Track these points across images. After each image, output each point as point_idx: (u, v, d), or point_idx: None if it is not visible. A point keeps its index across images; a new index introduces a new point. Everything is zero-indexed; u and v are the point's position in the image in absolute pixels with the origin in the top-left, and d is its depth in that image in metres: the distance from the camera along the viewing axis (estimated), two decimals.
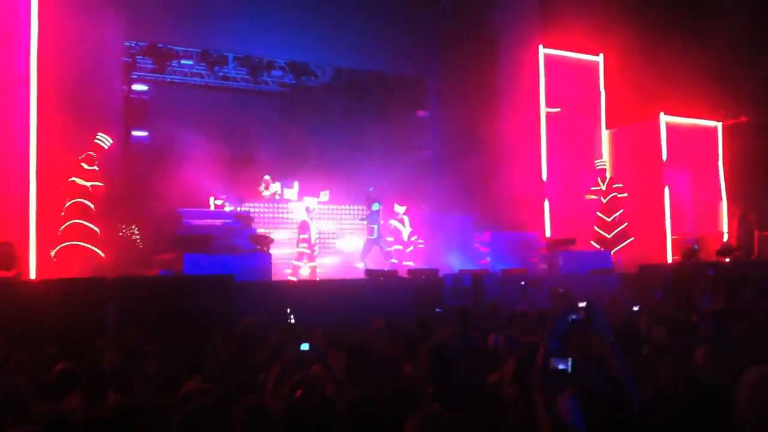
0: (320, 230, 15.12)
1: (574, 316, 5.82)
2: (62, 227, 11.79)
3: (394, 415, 3.73)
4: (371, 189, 15.69)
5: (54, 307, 8.54)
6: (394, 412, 3.81)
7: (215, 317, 9.24)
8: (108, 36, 13.95)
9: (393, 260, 14.79)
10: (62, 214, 11.96)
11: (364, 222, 15.00)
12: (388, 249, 15.09)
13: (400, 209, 15.20)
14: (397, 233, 15.14)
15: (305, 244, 14.02)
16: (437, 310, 10.70)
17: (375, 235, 14.76)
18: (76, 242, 11.70)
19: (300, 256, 13.97)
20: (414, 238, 15.39)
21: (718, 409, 3.25)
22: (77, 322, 8.40)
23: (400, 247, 15.02)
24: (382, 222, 14.94)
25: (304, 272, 13.95)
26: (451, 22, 18.60)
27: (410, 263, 14.68)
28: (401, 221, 15.16)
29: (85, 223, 11.81)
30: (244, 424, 3.73)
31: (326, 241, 15.76)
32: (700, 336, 5.51)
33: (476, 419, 3.80)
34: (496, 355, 5.50)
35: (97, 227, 12.10)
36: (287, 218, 15.14)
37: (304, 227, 14.08)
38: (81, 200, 11.93)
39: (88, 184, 12.12)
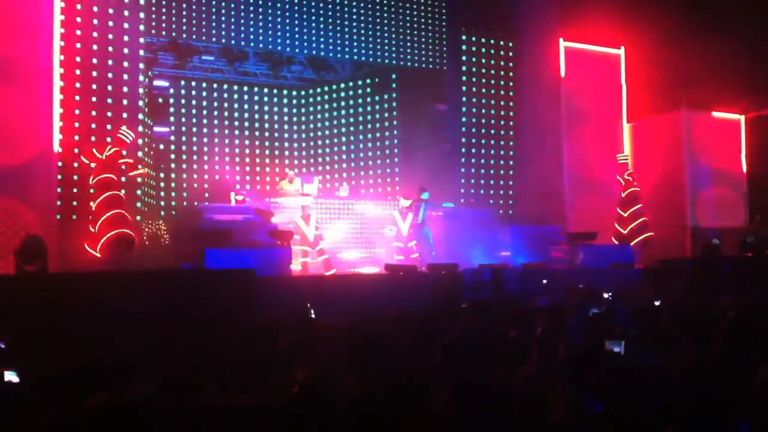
0: (319, 222, 15.08)
1: (595, 310, 5.82)
2: (101, 219, 11.84)
3: (396, 413, 3.71)
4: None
5: (77, 301, 8.63)
6: (397, 408, 3.80)
7: (236, 311, 9.30)
8: (130, 32, 14.06)
9: (399, 257, 14.71)
10: (92, 208, 12.02)
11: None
12: (395, 245, 15.04)
13: (405, 203, 15.08)
14: (396, 227, 15.03)
15: (301, 246, 13.96)
16: (463, 306, 10.68)
17: (420, 220, 14.75)
18: (120, 230, 11.79)
19: (304, 254, 13.97)
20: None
21: (731, 403, 3.25)
22: (100, 315, 8.47)
23: (401, 244, 14.92)
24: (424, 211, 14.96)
25: (315, 267, 13.95)
26: (472, 14, 18.54)
27: (416, 255, 14.68)
28: (404, 215, 14.98)
29: (121, 211, 11.94)
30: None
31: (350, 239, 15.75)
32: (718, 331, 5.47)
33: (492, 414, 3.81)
34: (519, 348, 5.50)
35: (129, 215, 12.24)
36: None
37: (297, 228, 14.04)
38: (114, 191, 12.02)
39: (113, 176, 12.19)
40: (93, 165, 12.10)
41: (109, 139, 12.57)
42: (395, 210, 15.25)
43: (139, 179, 14.13)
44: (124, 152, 12.42)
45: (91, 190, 12.17)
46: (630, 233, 15.66)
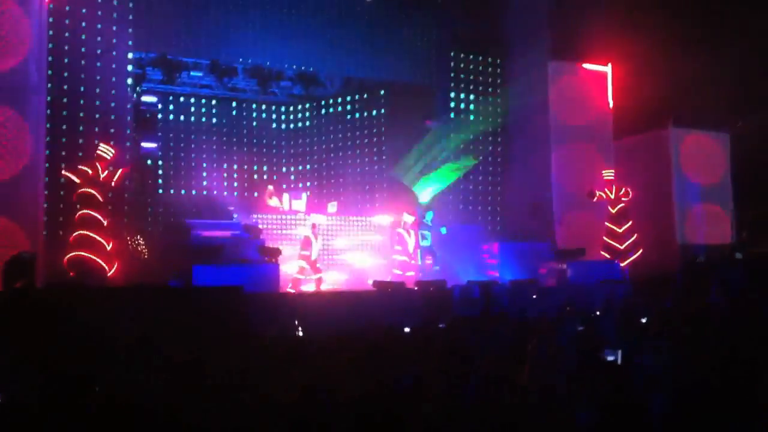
0: (326, 246, 15.13)
1: (580, 327, 5.84)
2: (72, 237, 11.80)
3: (392, 414, 3.71)
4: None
5: (65, 318, 8.56)
6: (394, 409, 3.80)
7: (224, 328, 9.25)
8: (118, 48, 14.06)
9: (396, 271, 14.75)
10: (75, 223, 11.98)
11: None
12: (396, 258, 15.10)
13: (408, 219, 15.21)
14: (403, 243, 15.12)
15: (304, 261, 13.93)
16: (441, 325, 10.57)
17: (428, 242, 14.94)
18: (82, 253, 11.69)
19: (301, 271, 13.93)
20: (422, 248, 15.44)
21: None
22: (87, 331, 8.40)
23: (406, 258, 14.99)
24: (429, 230, 15.13)
25: (307, 286, 13.92)
26: (462, 32, 18.63)
27: (411, 273, 14.70)
28: (408, 232, 15.16)
29: (93, 234, 11.81)
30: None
31: (334, 257, 15.77)
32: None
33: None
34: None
35: (106, 239, 12.08)
36: (293, 231, 15.15)
37: (306, 243, 14.02)
38: (89, 211, 11.93)
39: (96, 193, 12.11)
40: (77, 180, 12.01)
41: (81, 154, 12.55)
42: (400, 228, 15.25)
43: (127, 194, 14.08)
44: (100, 167, 12.35)
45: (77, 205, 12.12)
46: (624, 250, 15.70)
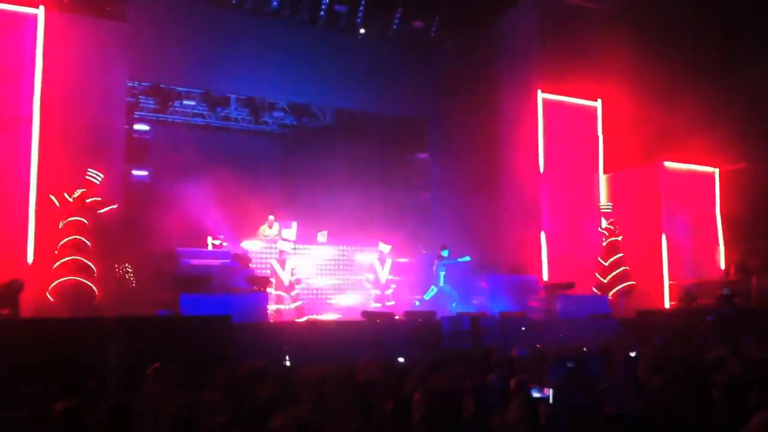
0: (312, 285, 15.12)
1: (570, 365, 5.84)
2: (57, 263, 11.73)
3: None
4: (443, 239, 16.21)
5: (50, 347, 8.50)
6: None
7: (212, 358, 9.19)
8: (111, 76, 14.12)
9: (375, 304, 14.72)
10: (56, 252, 11.92)
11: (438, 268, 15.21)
12: (369, 290, 15.09)
13: (384, 248, 15.21)
14: (373, 272, 15.08)
15: (276, 290, 13.92)
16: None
17: (442, 283, 14.93)
18: (72, 277, 11.62)
19: (279, 299, 13.91)
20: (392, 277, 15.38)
21: None
22: (73, 362, 8.33)
23: (378, 291, 14.96)
24: (446, 266, 15.10)
25: (289, 312, 13.88)
26: (453, 65, 18.83)
27: (392, 302, 14.69)
28: (382, 261, 15.11)
29: (81, 258, 11.76)
30: None
31: (325, 295, 15.72)
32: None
33: None
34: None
35: (94, 264, 12.05)
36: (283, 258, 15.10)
37: (273, 272, 14.06)
38: (77, 237, 11.89)
39: (83, 219, 12.09)
40: (57, 203, 11.99)
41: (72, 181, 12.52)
42: (374, 258, 15.26)
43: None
44: (90, 195, 12.33)
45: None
46: (610, 282, 15.74)
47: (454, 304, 14.69)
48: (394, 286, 15.18)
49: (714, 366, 6.56)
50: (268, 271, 14.20)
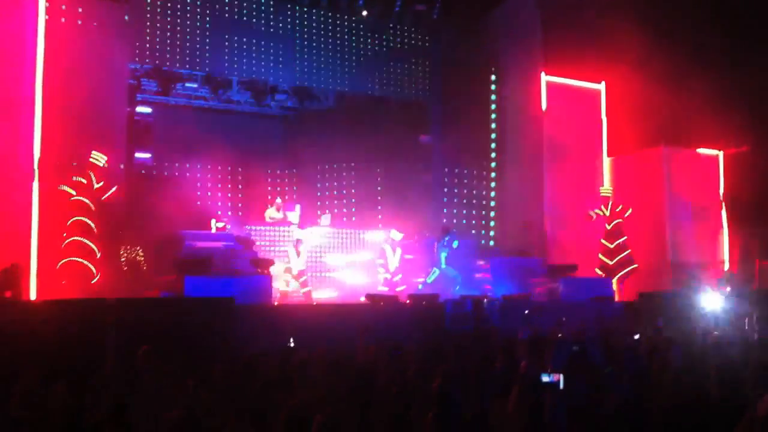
0: (317, 261, 15.07)
1: (575, 348, 5.83)
2: (64, 243, 11.77)
3: None
4: (444, 221, 15.94)
5: (53, 328, 8.53)
6: None
7: (215, 340, 9.24)
8: (113, 59, 14.08)
9: (382, 288, 14.71)
10: (64, 234, 11.95)
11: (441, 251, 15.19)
12: (379, 273, 15.09)
13: (396, 236, 15.18)
14: (384, 258, 15.06)
15: (288, 275, 13.95)
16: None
17: (443, 265, 14.91)
18: (75, 258, 11.66)
19: (287, 284, 13.94)
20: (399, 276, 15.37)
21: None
22: (76, 343, 8.37)
23: (388, 275, 14.94)
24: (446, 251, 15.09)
25: (295, 296, 13.91)
26: (456, 48, 18.75)
27: (403, 287, 14.68)
28: (393, 248, 15.08)
29: (85, 240, 11.79)
30: None
31: (326, 274, 15.72)
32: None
33: None
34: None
35: (98, 246, 12.08)
36: (287, 242, 15.11)
37: (290, 257, 14.08)
38: (82, 218, 11.90)
39: (88, 201, 12.10)
40: (73, 192, 12.00)
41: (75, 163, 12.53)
42: (386, 243, 15.22)
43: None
44: (93, 176, 12.32)
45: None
46: (616, 265, 15.74)
47: (457, 287, 14.69)
48: (400, 275, 15.18)
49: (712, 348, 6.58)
50: (286, 259, 14.19)
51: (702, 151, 18.14)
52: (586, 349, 5.98)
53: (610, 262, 15.82)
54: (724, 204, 18.07)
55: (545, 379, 4.34)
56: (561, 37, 16.93)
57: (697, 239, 17.71)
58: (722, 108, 15.93)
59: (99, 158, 12.35)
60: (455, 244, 15.23)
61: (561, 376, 4.32)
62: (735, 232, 17.65)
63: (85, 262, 11.77)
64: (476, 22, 18.63)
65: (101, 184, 12.33)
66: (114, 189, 12.81)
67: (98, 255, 12.09)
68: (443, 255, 15.13)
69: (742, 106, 16.07)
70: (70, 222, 11.92)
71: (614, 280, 15.56)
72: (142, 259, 15.69)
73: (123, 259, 14.96)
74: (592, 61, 17.08)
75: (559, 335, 8.35)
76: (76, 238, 11.81)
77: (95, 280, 12.04)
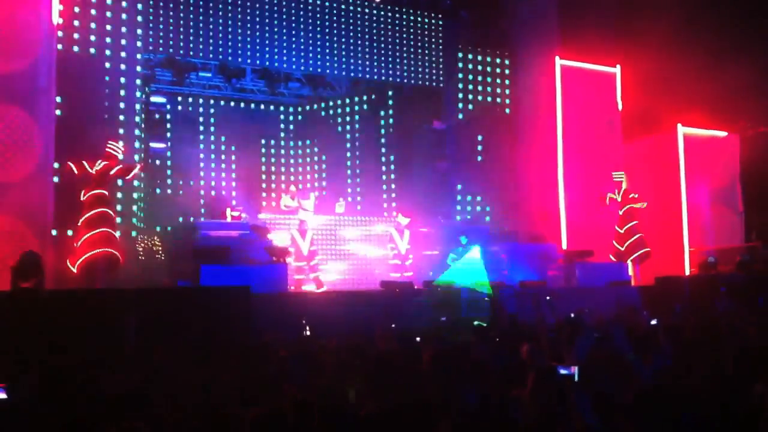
0: (331, 237, 15.07)
1: (596, 334, 5.78)
2: (86, 236, 11.71)
3: (414, 427, 3.72)
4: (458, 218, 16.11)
5: (71, 319, 8.59)
6: (415, 424, 3.80)
7: (232, 328, 9.27)
8: (127, 48, 14.11)
9: (393, 275, 14.72)
10: (79, 224, 11.94)
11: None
12: (389, 261, 15.11)
13: (403, 220, 15.17)
14: (394, 243, 15.07)
15: (295, 261, 13.95)
16: (441, 318, 10.60)
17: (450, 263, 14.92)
18: (104, 249, 11.61)
19: (299, 270, 13.93)
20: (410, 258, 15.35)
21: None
22: (95, 333, 8.43)
23: (398, 261, 14.95)
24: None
25: (308, 285, 13.92)
26: (470, 33, 18.65)
27: (409, 274, 14.68)
28: (401, 233, 15.08)
29: (109, 230, 11.77)
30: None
31: (338, 247, 15.77)
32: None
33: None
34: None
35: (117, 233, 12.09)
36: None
37: (293, 242, 14.05)
38: (103, 209, 11.88)
39: (105, 191, 12.06)
40: (75, 171, 11.95)
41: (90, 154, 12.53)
42: (392, 228, 15.25)
43: (136, 194, 14.13)
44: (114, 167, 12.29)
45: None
46: (627, 249, 15.63)
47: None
48: (412, 257, 15.17)
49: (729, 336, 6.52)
50: (288, 242, 14.21)
51: (719, 133, 17.97)
52: (611, 336, 5.95)
53: (621, 248, 15.70)
54: (741, 187, 17.91)
55: (562, 371, 4.31)
56: (576, 21, 16.80)
57: (714, 222, 17.60)
58: (739, 89, 15.77)
59: (117, 148, 12.27)
60: (463, 239, 15.16)
61: (576, 368, 4.29)
62: (753, 214, 17.50)
63: (114, 252, 11.73)
64: (491, 6, 18.51)
65: (120, 167, 12.21)
66: (138, 169, 12.69)
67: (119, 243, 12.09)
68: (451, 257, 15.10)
69: (759, 86, 15.90)
70: (92, 212, 11.82)
71: (629, 263, 15.46)
72: (160, 248, 15.76)
73: (140, 249, 15.02)
74: (607, 45, 16.94)
75: (581, 322, 8.32)
76: (102, 229, 11.74)
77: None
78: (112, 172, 12.07)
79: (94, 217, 11.72)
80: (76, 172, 11.85)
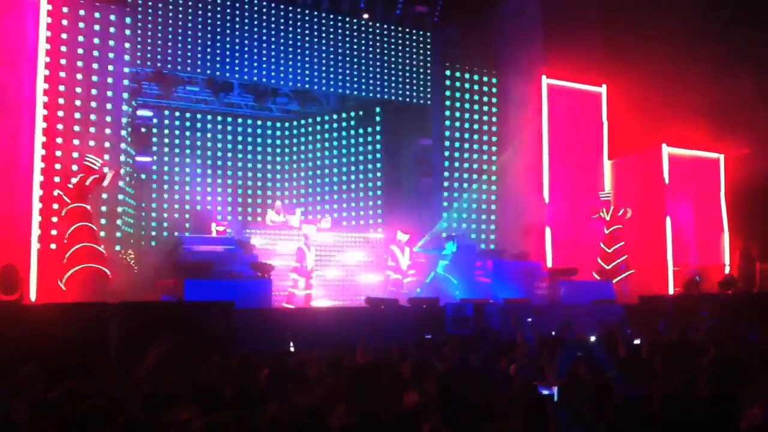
0: (317, 267, 15.06)
1: (579, 353, 5.80)
2: (70, 252, 11.67)
3: None
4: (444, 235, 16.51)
5: (55, 332, 8.52)
6: None
7: (215, 344, 9.22)
8: (114, 62, 14.11)
9: (391, 288, 14.76)
10: (65, 240, 11.89)
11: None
12: (390, 275, 15.13)
13: (402, 237, 15.23)
14: (395, 260, 15.13)
15: (296, 274, 13.93)
16: (426, 336, 10.66)
17: (442, 271, 14.92)
18: (90, 264, 11.57)
19: (295, 283, 13.92)
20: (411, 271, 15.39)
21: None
22: (78, 347, 8.36)
23: (399, 276, 15.01)
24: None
25: (300, 298, 13.90)
26: (457, 51, 18.78)
27: (405, 291, 14.69)
28: (401, 249, 15.17)
29: (93, 245, 11.73)
30: None
31: (329, 256, 15.76)
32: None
33: None
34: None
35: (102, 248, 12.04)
36: (285, 246, 15.08)
37: (301, 255, 14.03)
38: (84, 223, 11.85)
39: (86, 205, 12.03)
40: (68, 201, 11.95)
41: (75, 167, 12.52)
42: (393, 245, 15.28)
43: (120, 208, 14.07)
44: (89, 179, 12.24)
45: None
46: (613, 269, 15.75)
47: (457, 293, 14.68)
48: (413, 271, 15.24)
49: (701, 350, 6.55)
50: (295, 255, 14.15)
51: (703, 153, 18.12)
52: (592, 353, 5.95)
53: (607, 267, 15.85)
54: (725, 206, 18.05)
55: (544, 392, 4.31)
56: (562, 40, 16.92)
57: (697, 242, 17.70)
58: (723, 110, 15.91)
59: (94, 161, 12.28)
60: (450, 247, 15.22)
61: (556, 389, 4.30)
62: (736, 234, 17.62)
63: (101, 267, 11.69)
64: (477, 25, 18.65)
65: (95, 177, 12.18)
66: (112, 173, 12.69)
67: (106, 258, 12.03)
68: (442, 263, 15.21)
69: (743, 108, 16.05)
70: (74, 227, 11.80)
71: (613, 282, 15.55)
72: (133, 260, 15.65)
73: (125, 263, 14.95)
74: (593, 64, 17.09)
75: (564, 338, 8.32)
76: (85, 244, 11.70)
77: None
78: (87, 183, 12.05)
79: (74, 232, 11.71)
80: (68, 201, 11.88)
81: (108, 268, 12.01)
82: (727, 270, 17.11)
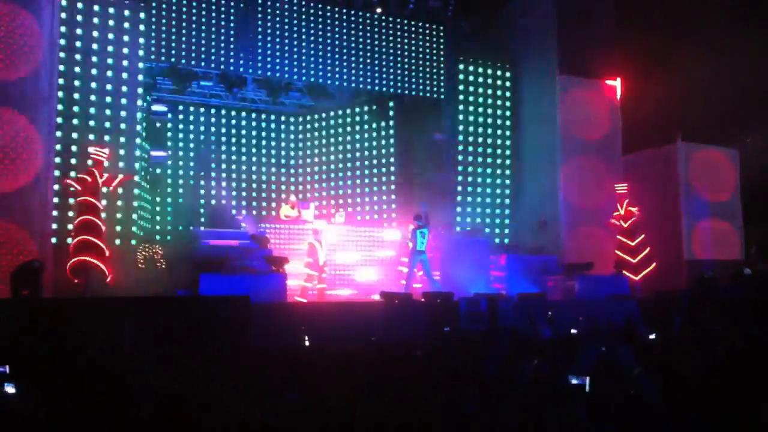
0: (332, 261, 15.02)
1: (603, 348, 5.79)
2: (73, 242, 11.79)
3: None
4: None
5: (70, 326, 8.58)
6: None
7: (230, 338, 9.27)
8: (129, 57, 14.17)
9: (402, 282, 14.70)
10: (72, 232, 11.99)
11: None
12: (402, 270, 15.07)
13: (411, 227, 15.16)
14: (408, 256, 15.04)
15: (309, 269, 13.92)
16: (446, 329, 10.69)
17: (420, 247, 14.46)
18: (82, 257, 11.63)
19: (309, 278, 13.91)
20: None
21: None
22: (93, 342, 8.41)
23: (406, 269, 14.91)
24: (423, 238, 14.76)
25: (313, 293, 13.91)
26: (470, 44, 18.73)
27: (419, 285, 14.62)
28: (419, 235, 15.03)
29: (91, 238, 11.76)
30: None
31: (344, 273, 15.72)
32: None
33: None
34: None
35: (104, 243, 12.04)
36: (301, 239, 15.09)
37: (312, 250, 14.03)
38: (88, 217, 11.88)
39: (93, 200, 12.07)
40: (78, 188, 12.00)
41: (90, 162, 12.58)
42: (408, 239, 15.21)
43: (136, 203, 14.13)
44: (97, 172, 12.28)
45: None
46: (639, 263, 15.59)
47: (402, 282, 14.52)
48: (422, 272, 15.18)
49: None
50: (306, 250, 14.13)
51: (719, 148, 17.99)
52: (615, 350, 5.92)
53: (633, 261, 15.65)
54: (741, 200, 17.92)
55: (573, 381, 4.31)
56: (577, 34, 16.85)
57: (713, 237, 17.59)
58: (739, 104, 15.81)
59: (101, 153, 12.33)
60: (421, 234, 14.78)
61: (587, 379, 4.29)
62: (753, 228, 17.50)
63: (93, 260, 11.72)
64: (491, 18, 18.59)
65: (105, 177, 12.27)
66: (122, 177, 12.83)
67: (106, 253, 12.02)
68: (421, 240, 14.66)
69: (759, 102, 15.93)
70: (77, 220, 11.89)
71: (638, 278, 15.45)
72: (160, 257, 15.72)
73: (141, 258, 14.99)
74: (607, 58, 16.98)
75: (585, 334, 8.31)
76: (82, 237, 11.74)
77: (109, 278, 12.03)
78: (100, 180, 12.12)
79: (78, 224, 11.79)
80: (78, 189, 11.95)
81: (111, 263, 12.01)
82: (743, 264, 16.98)
